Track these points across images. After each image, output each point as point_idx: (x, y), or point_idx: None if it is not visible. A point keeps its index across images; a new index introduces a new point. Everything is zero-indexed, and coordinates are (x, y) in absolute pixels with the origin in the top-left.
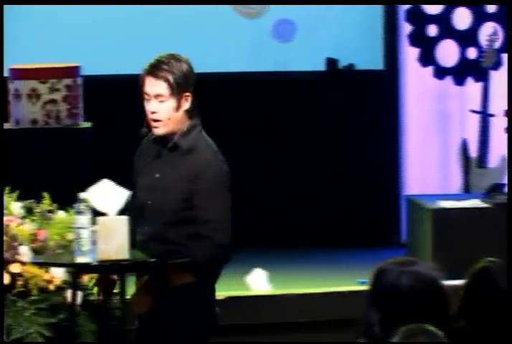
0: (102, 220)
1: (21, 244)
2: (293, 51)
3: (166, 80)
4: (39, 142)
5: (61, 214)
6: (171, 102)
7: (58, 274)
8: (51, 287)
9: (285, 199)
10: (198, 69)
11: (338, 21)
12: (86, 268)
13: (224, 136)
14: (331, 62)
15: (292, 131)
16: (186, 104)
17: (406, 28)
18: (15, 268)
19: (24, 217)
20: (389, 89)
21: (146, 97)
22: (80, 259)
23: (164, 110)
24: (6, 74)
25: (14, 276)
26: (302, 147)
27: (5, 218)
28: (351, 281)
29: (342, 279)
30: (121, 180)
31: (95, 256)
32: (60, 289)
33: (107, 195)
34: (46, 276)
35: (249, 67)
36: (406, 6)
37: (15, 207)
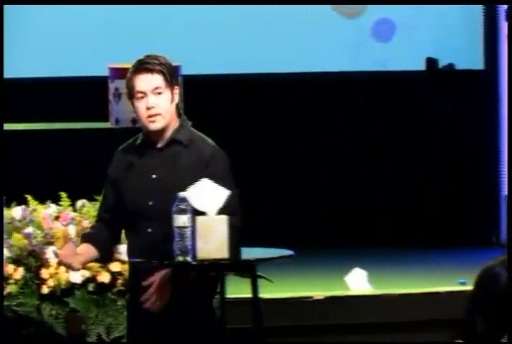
0: (202, 219)
1: (121, 243)
2: (392, 50)
3: (161, 72)
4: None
5: None
6: (168, 94)
7: None
8: None
9: (389, 199)
10: (299, 68)
11: (438, 20)
12: (185, 267)
13: (325, 134)
14: (431, 62)
15: (391, 130)
16: (176, 98)
17: (505, 27)
18: (115, 267)
19: None
20: (489, 89)
21: (140, 95)
22: (180, 258)
23: (163, 103)
24: (15, 75)
25: (114, 275)
26: (402, 145)
27: None
28: (450, 281)
29: (441, 279)
30: None
31: (195, 255)
32: None
33: (207, 194)
34: None
35: (348, 66)
36: (505, 6)
37: None
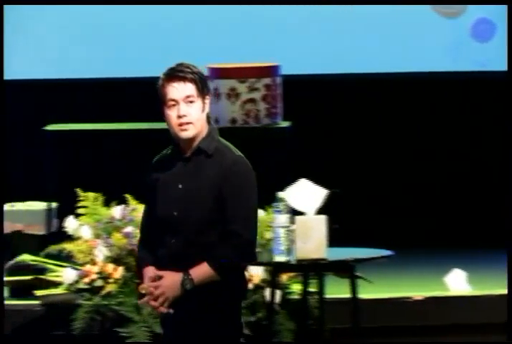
0: (301, 219)
1: None
2: (492, 50)
3: (193, 81)
4: (238, 142)
5: (260, 213)
6: (199, 103)
7: (257, 273)
8: (250, 286)
9: (488, 200)
10: (399, 69)
11: None
12: (284, 267)
13: (426, 134)
14: None
15: (491, 131)
16: (207, 107)
17: None
18: None
19: None
20: None
21: (171, 103)
22: (279, 258)
23: (194, 112)
24: (7, 76)
25: None
26: (488, 145)
27: None
28: None
29: None
30: (319, 180)
31: (294, 255)
32: (259, 288)
33: (306, 194)
34: (246, 275)
35: (448, 66)
36: None
37: None
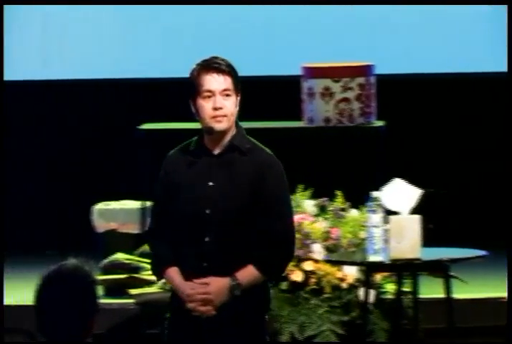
0: (395, 219)
1: (314, 242)
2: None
3: (231, 75)
4: (332, 141)
5: (353, 213)
6: (234, 98)
7: (351, 272)
8: (344, 285)
9: None
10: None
11: None
12: (379, 266)
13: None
14: None
15: None
16: (238, 104)
17: None
18: (308, 266)
19: (316, 215)
20: None
21: (207, 94)
22: (373, 258)
23: (230, 105)
24: (98, 75)
25: (307, 274)
26: None
27: (298, 216)
28: None
29: None
30: (414, 180)
31: (388, 255)
32: (353, 288)
33: (400, 194)
34: (339, 275)
35: None
36: None
37: (308, 205)
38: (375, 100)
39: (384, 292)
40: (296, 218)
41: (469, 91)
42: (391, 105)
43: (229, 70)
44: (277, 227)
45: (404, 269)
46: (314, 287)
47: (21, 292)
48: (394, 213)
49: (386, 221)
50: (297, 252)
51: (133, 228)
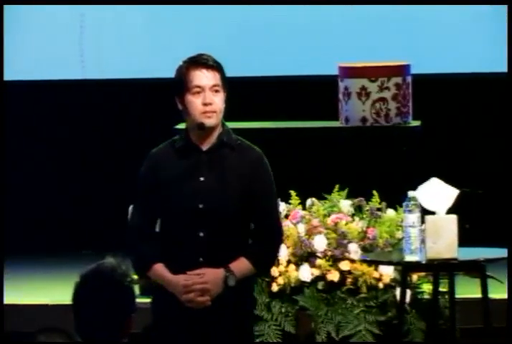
0: (432, 218)
1: (350, 242)
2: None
3: (219, 71)
4: (368, 141)
5: (390, 212)
6: (222, 95)
7: (387, 272)
8: (381, 285)
9: None
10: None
11: None
12: (415, 266)
13: None
14: None
15: None
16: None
17: None
18: (344, 265)
19: (353, 215)
20: None
21: (197, 90)
22: (409, 258)
23: (219, 101)
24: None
25: (344, 274)
26: None
27: (334, 216)
28: None
29: None
30: (450, 179)
31: (424, 255)
32: (389, 287)
33: (436, 193)
34: (376, 274)
35: None
36: None
37: (344, 205)
38: (411, 100)
39: (421, 292)
40: (332, 218)
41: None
42: (428, 105)
43: (217, 66)
44: (266, 222)
45: (440, 269)
46: (350, 286)
47: (58, 292)
48: (431, 212)
49: (422, 221)
50: (334, 252)
51: None
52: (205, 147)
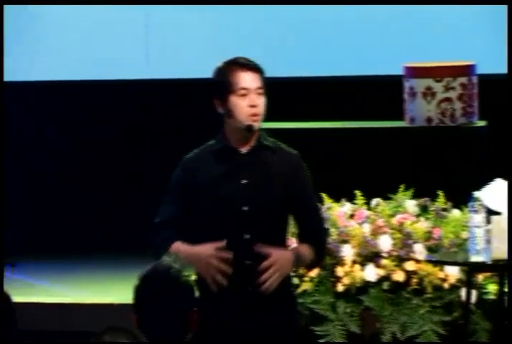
0: (497, 219)
1: (415, 242)
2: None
3: (262, 74)
4: (433, 141)
5: (455, 213)
6: (264, 98)
7: (452, 273)
8: (446, 286)
9: None
10: None
11: None
12: (480, 267)
13: None
14: None
15: None
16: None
17: None
18: (410, 266)
19: (418, 215)
20: None
21: (243, 92)
22: (475, 258)
23: (262, 104)
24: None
25: (409, 274)
26: None
27: (399, 216)
28: None
29: None
30: None
31: (490, 255)
32: (455, 288)
33: (502, 194)
34: (441, 275)
35: None
36: None
37: (410, 205)
38: (477, 100)
39: (486, 293)
40: (398, 218)
41: None
42: (494, 105)
43: (260, 69)
44: (313, 222)
45: (506, 269)
46: (416, 287)
47: (124, 291)
48: (496, 213)
49: (488, 221)
50: (399, 252)
51: None
52: (244, 149)
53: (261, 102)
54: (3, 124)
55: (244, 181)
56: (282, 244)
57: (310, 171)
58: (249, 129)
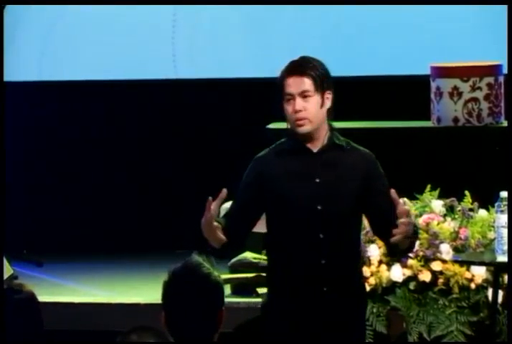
0: None
1: (442, 242)
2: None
3: (311, 76)
4: (460, 141)
5: (482, 213)
6: (316, 99)
7: (479, 273)
8: (472, 286)
9: None
10: None
11: None
12: (507, 267)
13: None
14: None
15: None
16: (328, 103)
17: None
18: (436, 266)
19: (445, 215)
20: None
21: (288, 97)
22: (501, 258)
23: (311, 107)
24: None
25: (436, 274)
26: None
27: (426, 216)
28: None
29: None
30: None
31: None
32: (481, 288)
33: None
34: (467, 275)
35: None
36: None
37: (436, 205)
38: (504, 100)
39: None
40: (424, 218)
41: None
42: None
43: (309, 72)
44: (393, 217)
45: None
46: (442, 287)
47: (151, 291)
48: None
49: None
50: (425, 252)
51: (262, 227)
52: (315, 148)
53: (309, 105)
54: (4, 124)
55: (317, 180)
56: (356, 243)
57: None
58: (297, 134)
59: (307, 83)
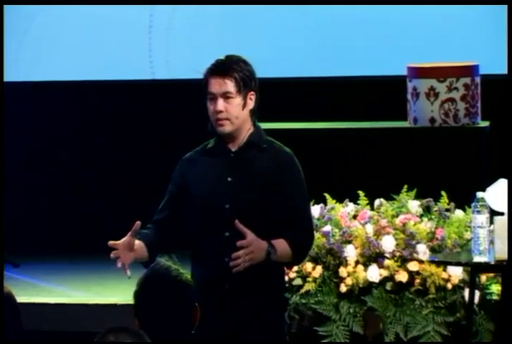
0: (500, 219)
1: (418, 243)
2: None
3: (234, 78)
4: (437, 141)
5: (458, 213)
6: (238, 100)
7: (456, 273)
8: (449, 286)
9: None
10: None
11: None
12: (484, 267)
13: None
14: None
15: None
16: (251, 104)
17: None
18: (413, 266)
19: (421, 215)
20: None
21: (210, 96)
22: (478, 258)
23: (232, 108)
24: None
25: (412, 275)
26: None
27: (402, 217)
28: None
29: None
30: None
31: (493, 256)
32: (458, 288)
33: (505, 194)
34: (444, 275)
35: None
36: None
37: (413, 205)
38: (480, 101)
39: (489, 293)
40: (401, 218)
41: None
42: (496, 105)
43: (231, 73)
44: (305, 216)
45: (509, 269)
46: (419, 287)
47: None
48: (499, 213)
49: (491, 222)
50: (402, 252)
51: None
52: (234, 148)
53: (230, 106)
54: (4, 124)
55: (229, 179)
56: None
57: (306, 171)
58: (217, 133)
59: (229, 85)
